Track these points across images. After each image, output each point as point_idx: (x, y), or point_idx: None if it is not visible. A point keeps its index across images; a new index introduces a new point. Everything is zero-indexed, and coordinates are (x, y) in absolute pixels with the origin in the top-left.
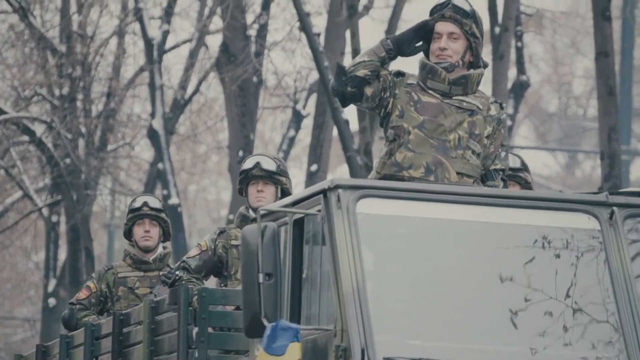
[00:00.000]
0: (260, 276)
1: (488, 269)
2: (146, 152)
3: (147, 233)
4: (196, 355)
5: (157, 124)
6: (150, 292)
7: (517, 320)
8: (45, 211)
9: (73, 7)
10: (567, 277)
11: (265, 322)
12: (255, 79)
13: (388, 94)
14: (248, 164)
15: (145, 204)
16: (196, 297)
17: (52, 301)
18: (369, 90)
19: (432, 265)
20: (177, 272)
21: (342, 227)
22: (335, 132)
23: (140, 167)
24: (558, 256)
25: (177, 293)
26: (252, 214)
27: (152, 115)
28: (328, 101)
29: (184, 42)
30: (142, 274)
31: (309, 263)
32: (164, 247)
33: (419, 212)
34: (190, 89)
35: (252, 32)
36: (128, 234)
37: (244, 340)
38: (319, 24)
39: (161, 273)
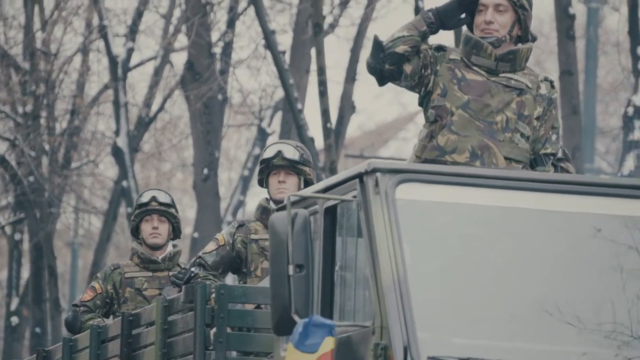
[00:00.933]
0: (291, 268)
1: (539, 261)
2: (110, 170)
3: (156, 230)
4: (213, 357)
5: (122, 142)
6: (160, 294)
7: (570, 316)
8: (8, 229)
9: (37, 24)
10: (625, 268)
11: (296, 317)
12: (220, 96)
13: (429, 70)
14: (269, 152)
15: (153, 198)
16: (214, 294)
17: (14, 320)
18: (408, 68)
19: (478, 257)
20: (193, 269)
21: (381, 215)
22: None
23: (104, 185)
24: (615, 246)
25: (194, 290)
26: (272, 205)
27: (117, 132)
28: (293, 119)
29: (149, 59)
30: (150, 274)
31: (343, 254)
32: (174, 246)
33: (464, 199)
34: (155, 107)
35: (217, 50)
36: (135, 231)
37: (265, 341)
38: (285, 41)
39: (171, 273)
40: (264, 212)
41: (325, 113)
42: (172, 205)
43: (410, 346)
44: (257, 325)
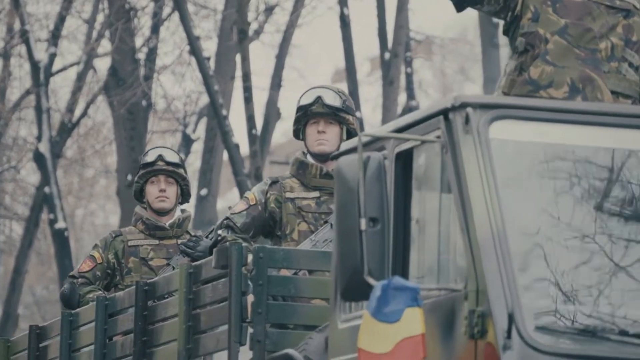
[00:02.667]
0: (363, 222)
1: None
2: (32, 175)
3: (163, 193)
4: (251, 330)
5: (44, 148)
6: (167, 264)
7: None
8: None
9: None
10: None
11: (370, 280)
12: (144, 102)
13: None
14: (307, 98)
15: (160, 157)
16: (252, 258)
17: None
18: None
19: (586, 207)
20: (220, 232)
21: (473, 158)
22: (225, 156)
23: (26, 191)
24: None
25: (227, 253)
26: (310, 159)
27: (39, 138)
28: (218, 125)
29: (72, 65)
30: (156, 242)
31: (419, 206)
32: (183, 211)
33: (569, 139)
34: (78, 112)
35: (141, 56)
36: (139, 194)
37: (310, 313)
38: (209, 47)
39: (180, 241)
40: (300, 167)
41: (250, 119)
42: (180, 165)
43: (514, 313)
44: (301, 294)
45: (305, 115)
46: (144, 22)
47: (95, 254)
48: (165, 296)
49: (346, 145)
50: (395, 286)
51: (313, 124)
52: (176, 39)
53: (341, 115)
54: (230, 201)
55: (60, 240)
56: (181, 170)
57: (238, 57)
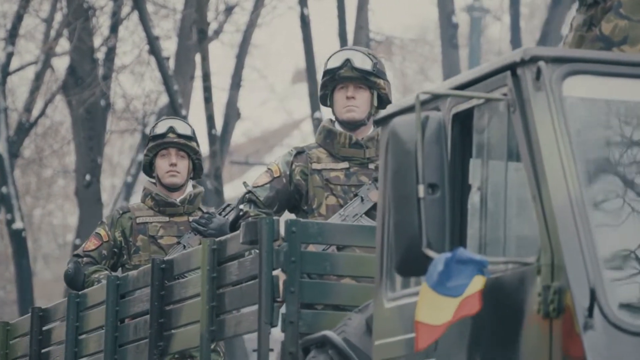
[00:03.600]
0: (421, 188)
1: None
2: None
3: (174, 167)
4: (284, 310)
5: (1, 147)
6: (178, 243)
7: None
8: None
9: None
10: None
11: (429, 252)
12: (103, 102)
13: None
14: (335, 61)
15: (171, 129)
16: (284, 232)
17: None
18: None
19: None
20: (241, 206)
21: (546, 117)
22: None
23: None
24: None
25: (257, 227)
26: (338, 127)
27: None
28: None
29: (30, 64)
30: (167, 219)
31: (480, 172)
32: (194, 186)
33: None
34: (35, 112)
35: (100, 55)
36: (148, 168)
37: (347, 292)
38: (169, 47)
39: (191, 218)
40: (328, 136)
41: (210, 119)
42: (193, 137)
43: (596, 289)
44: (337, 271)
45: (333, 80)
46: (102, 22)
47: (101, 232)
48: (185, 275)
49: (400, 105)
50: (460, 259)
51: (341, 89)
52: (135, 39)
53: (372, 80)
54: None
55: (18, 240)
56: (193, 144)
57: (198, 57)
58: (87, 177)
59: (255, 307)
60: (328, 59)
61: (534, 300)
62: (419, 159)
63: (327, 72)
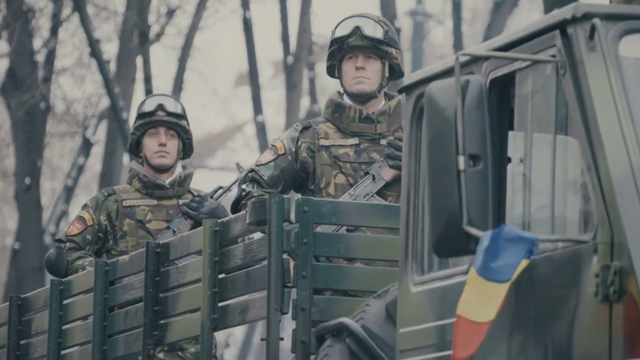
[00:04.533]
0: (461, 160)
1: None
2: None
3: (163, 147)
4: (294, 296)
5: None
6: (168, 227)
7: None
8: None
9: None
10: None
11: (472, 230)
12: (43, 104)
13: None
14: (343, 29)
15: (160, 107)
16: (294, 212)
17: None
18: None
19: None
20: (244, 186)
21: (602, 80)
22: (126, 159)
23: None
24: None
25: (266, 206)
26: (347, 100)
27: None
28: (119, 128)
29: None
30: (155, 202)
31: (523, 142)
32: (184, 167)
33: None
34: None
35: (40, 58)
36: (135, 148)
37: (363, 276)
38: (110, 50)
39: (181, 202)
40: (336, 110)
41: None
42: (183, 115)
43: None
44: (352, 254)
45: (341, 50)
46: (42, 23)
47: (84, 215)
48: (175, 263)
49: (431, 70)
50: (508, 237)
51: (350, 59)
52: (76, 41)
53: (383, 49)
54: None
55: None
56: (184, 122)
57: (139, 60)
58: (27, 180)
59: (263, 293)
60: (336, 27)
61: (590, 282)
62: (459, 128)
63: (334, 41)
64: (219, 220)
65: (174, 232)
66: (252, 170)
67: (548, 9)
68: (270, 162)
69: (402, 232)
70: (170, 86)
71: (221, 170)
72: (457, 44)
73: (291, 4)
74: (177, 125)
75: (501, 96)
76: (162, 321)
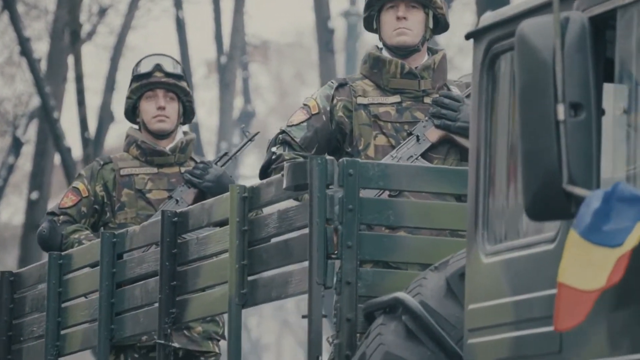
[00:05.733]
0: (561, 108)
1: None
2: None
3: (162, 111)
4: (338, 267)
5: None
6: (170, 197)
7: None
8: None
9: None
10: None
11: (572, 189)
12: None
13: None
14: None
15: (157, 67)
16: (337, 175)
17: None
18: None
19: None
20: (274, 149)
21: None
22: (57, 159)
23: None
24: None
25: (306, 168)
26: (387, 54)
27: None
28: (50, 128)
29: None
30: (155, 170)
31: (629, 91)
32: (185, 133)
33: None
34: None
35: None
36: (131, 113)
37: (417, 246)
38: (41, 48)
39: (184, 169)
40: (375, 66)
41: (83, 122)
42: (182, 76)
43: None
44: (401, 222)
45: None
46: None
47: (79, 186)
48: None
49: (512, 9)
50: (622, 196)
51: (390, 8)
52: (5, 40)
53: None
54: None
55: None
56: (184, 84)
57: (70, 59)
58: None
59: (301, 265)
60: None
61: None
62: (558, 72)
63: None
64: (248, 186)
65: (177, 202)
66: (282, 132)
67: (480, 10)
68: (302, 122)
69: (471, 197)
70: (101, 86)
71: None
72: None
73: (224, 4)
74: (176, 87)
75: (599, 37)
76: (179, 297)
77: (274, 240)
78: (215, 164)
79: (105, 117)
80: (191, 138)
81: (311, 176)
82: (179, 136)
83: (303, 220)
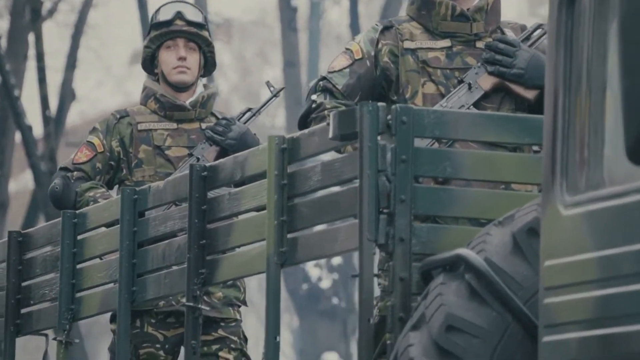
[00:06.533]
0: None
1: None
2: None
3: (182, 61)
4: (393, 222)
5: None
6: (190, 155)
7: None
8: None
9: None
10: None
11: None
12: None
13: None
14: None
15: (178, 15)
16: (390, 120)
17: None
18: None
19: None
20: (314, 96)
21: None
22: (18, 137)
23: None
24: None
25: (356, 115)
26: None
27: None
28: (10, 106)
29: None
30: (175, 125)
31: None
32: (206, 86)
33: None
34: None
35: None
36: (149, 64)
37: (477, 200)
38: (1, 26)
39: (204, 125)
40: (423, 7)
41: (44, 100)
42: (204, 25)
43: None
44: (460, 174)
45: None
46: None
47: (94, 140)
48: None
49: None
50: None
51: None
52: None
53: None
54: (22, 184)
55: None
56: (205, 33)
57: (31, 37)
58: None
59: (349, 221)
60: None
61: None
62: None
63: None
64: (287, 136)
65: (198, 159)
66: (323, 78)
67: None
68: (345, 68)
69: (547, 144)
70: (63, 64)
71: None
72: (354, 24)
73: None
74: (198, 36)
75: None
76: (210, 257)
77: (316, 194)
78: (238, 120)
79: (67, 95)
80: (212, 92)
81: (361, 124)
82: (199, 89)
83: (351, 173)
